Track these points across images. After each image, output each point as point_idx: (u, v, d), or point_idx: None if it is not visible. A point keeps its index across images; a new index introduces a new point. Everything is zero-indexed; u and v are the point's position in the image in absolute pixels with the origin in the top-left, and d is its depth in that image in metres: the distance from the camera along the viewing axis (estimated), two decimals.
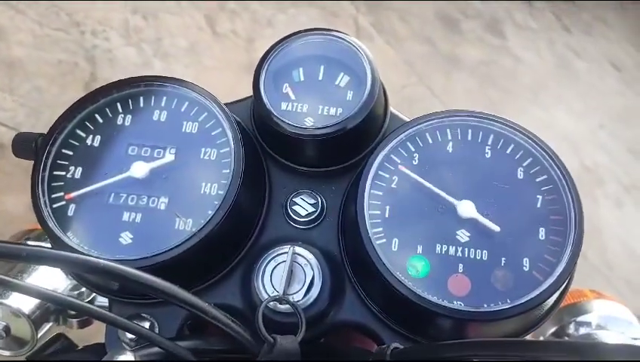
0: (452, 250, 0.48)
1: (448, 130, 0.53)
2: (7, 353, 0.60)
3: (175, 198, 0.50)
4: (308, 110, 0.54)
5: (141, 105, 0.55)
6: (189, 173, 0.51)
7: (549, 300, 0.47)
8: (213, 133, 0.53)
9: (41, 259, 0.37)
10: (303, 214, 0.54)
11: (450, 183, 0.50)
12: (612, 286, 2.06)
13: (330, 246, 0.53)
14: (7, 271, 0.61)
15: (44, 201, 0.50)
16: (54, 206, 0.50)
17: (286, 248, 0.50)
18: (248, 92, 0.57)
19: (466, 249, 0.48)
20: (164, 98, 0.55)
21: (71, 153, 0.53)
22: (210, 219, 0.48)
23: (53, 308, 0.61)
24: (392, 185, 0.51)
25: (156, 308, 0.50)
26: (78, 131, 0.54)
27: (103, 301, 0.60)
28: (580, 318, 0.68)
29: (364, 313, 0.51)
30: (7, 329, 0.58)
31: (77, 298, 0.63)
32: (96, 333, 0.56)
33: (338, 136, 0.52)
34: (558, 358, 0.32)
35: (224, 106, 0.53)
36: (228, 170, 0.50)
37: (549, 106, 2.54)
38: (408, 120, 0.55)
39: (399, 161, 0.52)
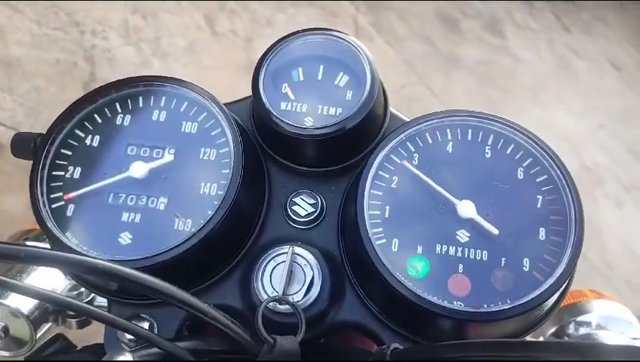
0: (452, 250, 0.48)
1: (448, 130, 0.53)
2: (6, 353, 0.60)
3: (174, 198, 0.50)
4: (307, 110, 0.54)
5: (140, 105, 0.54)
6: (188, 173, 0.51)
7: (549, 300, 0.47)
8: (212, 133, 0.53)
9: (39, 259, 0.37)
10: (303, 214, 0.54)
11: (450, 183, 0.50)
12: (612, 286, 2.06)
13: (330, 247, 0.53)
14: (6, 271, 0.61)
15: (43, 201, 0.50)
16: (53, 206, 0.50)
17: (285, 248, 0.50)
18: (247, 92, 0.56)
19: (466, 249, 0.48)
20: (164, 98, 0.55)
21: (70, 153, 0.53)
22: (209, 220, 0.48)
23: (52, 308, 0.61)
24: (392, 185, 0.51)
25: (155, 309, 0.50)
26: (77, 131, 0.53)
27: (102, 301, 0.60)
28: (580, 318, 0.68)
29: (364, 313, 0.51)
30: (6, 329, 0.58)
31: (76, 298, 0.63)
32: (95, 333, 0.56)
33: (337, 135, 0.51)
34: (558, 359, 0.32)
35: (223, 106, 0.53)
36: (227, 170, 0.50)
37: (549, 106, 2.54)
38: (408, 120, 0.55)
39: (405, 155, 0.51)
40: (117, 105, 0.55)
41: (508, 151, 0.52)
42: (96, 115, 0.54)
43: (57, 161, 0.52)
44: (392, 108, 0.58)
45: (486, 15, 2.83)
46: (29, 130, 0.58)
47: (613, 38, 2.94)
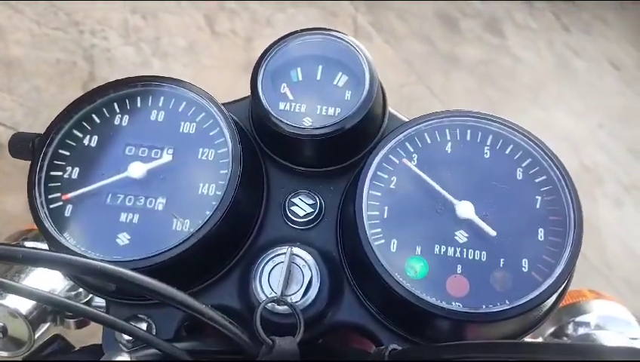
0: (451, 251, 0.48)
1: (447, 131, 0.53)
2: (4, 354, 0.59)
3: (172, 199, 0.50)
4: (306, 110, 0.53)
5: (138, 105, 0.54)
6: (186, 174, 0.51)
7: (547, 301, 0.47)
8: (210, 134, 0.52)
9: (37, 260, 0.37)
10: (302, 215, 0.54)
11: (449, 183, 0.50)
12: (611, 285, 2.06)
13: (329, 247, 0.53)
14: (4, 272, 0.61)
15: (41, 202, 0.50)
16: (51, 206, 0.50)
17: (284, 249, 0.50)
18: (247, 91, 0.56)
19: (465, 250, 0.48)
20: (162, 98, 0.54)
21: (68, 153, 0.53)
22: (207, 220, 0.48)
23: (50, 308, 0.61)
24: (391, 186, 0.51)
25: (153, 309, 0.50)
26: (75, 131, 0.53)
27: (100, 302, 0.60)
28: (579, 318, 0.68)
29: (363, 314, 0.50)
30: (4, 329, 0.58)
31: (74, 299, 0.63)
32: (94, 334, 0.56)
33: (336, 136, 0.51)
34: (557, 360, 0.32)
35: (222, 106, 0.53)
36: (226, 171, 0.50)
37: (549, 106, 2.54)
38: (407, 120, 0.55)
39: (404, 155, 0.51)
40: (115, 105, 0.54)
41: (507, 152, 0.52)
42: (94, 115, 0.54)
43: (55, 162, 0.52)
44: (390, 109, 0.58)
45: (486, 15, 2.82)
46: (29, 130, 0.58)
47: (613, 37, 2.94)
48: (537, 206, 0.49)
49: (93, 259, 0.38)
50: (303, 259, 0.50)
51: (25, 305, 0.58)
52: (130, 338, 0.47)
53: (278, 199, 0.55)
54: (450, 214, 0.49)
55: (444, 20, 2.72)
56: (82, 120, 0.54)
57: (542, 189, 0.50)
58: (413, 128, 0.52)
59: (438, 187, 0.50)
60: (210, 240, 0.47)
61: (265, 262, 0.50)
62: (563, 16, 2.95)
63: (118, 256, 0.47)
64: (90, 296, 0.64)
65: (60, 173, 0.52)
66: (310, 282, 0.49)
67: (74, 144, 0.53)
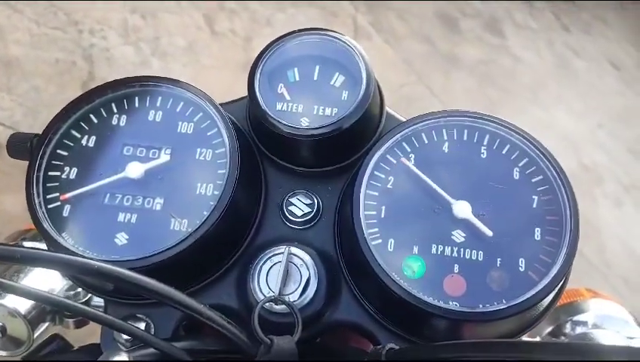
0: (448, 251, 0.48)
1: (444, 131, 0.53)
2: (3, 353, 0.60)
3: (170, 199, 0.50)
4: (303, 110, 0.54)
5: (136, 105, 0.55)
6: (184, 174, 0.51)
7: (544, 300, 0.47)
8: (208, 134, 0.53)
9: (35, 260, 0.37)
10: (299, 214, 0.54)
11: (446, 183, 0.50)
12: (610, 284, 2.06)
13: (326, 247, 0.53)
14: (3, 271, 0.61)
15: (39, 202, 0.50)
16: (49, 206, 0.50)
17: (282, 248, 0.50)
18: (246, 91, 0.56)
19: (462, 249, 0.48)
20: (160, 98, 0.55)
21: (66, 153, 0.53)
22: (205, 220, 0.48)
23: (49, 308, 0.61)
24: (388, 186, 0.51)
25: (152, 309, 0.50)
26: (73, 132, 0.53)
27: (98, 301, 0.60)
28: (577, 317, 0.68)
29: (360, 313, 0.51)
30: (3, 329, 0.58)
31: (73, 298, 0.63)
32: (93, 333, 0.56)
33: (333, 136, 0.51)
34: (554, 359, 0.32)
35: (219, 106, 0.53)
36: (223, 171, 0.50)
37: (549, 106, 2.54)
38: (404, 120, 0.55)
39: (401, 155, 0.51)
40: (113, 105, 0.55)
41: (504, 152, 0.52)
42: (92, 116, 0.54)
43: (53, 162, 0.52)
44: (388, 108, 0.58)
45: (486, 15, 2.82)
46: (28, 130, 0.58)
47: (613, 37, 2.94)
48: (534, 205, 0.50)
49: (91, 259, 0.38)
50: (301, 259, 0.50)
51: (24, 305, 0.58)
52: (129, 337, 0.47)
53: (275, 199, 0.55)
54: (448, 214, 0.49)
55: (444, 20, 2.72)
56: (80, 120, 0.54)
57: (538, 189, 0.50)
58: (411, 128, 0.53)
59: (435, 186, 0.50)
60: (208, 240, 0.48)
61: (263, 261, 0.50)
62: (563, 16, 2.95)
63: (116, 255, 0.47)
64: (89, 295, 0.64)
65: (58, 173, 0.52)
66: (308, 281, 0.49)
67: (72, 144, 0.53)
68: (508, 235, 0.48)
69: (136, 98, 0.55)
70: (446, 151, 0.52)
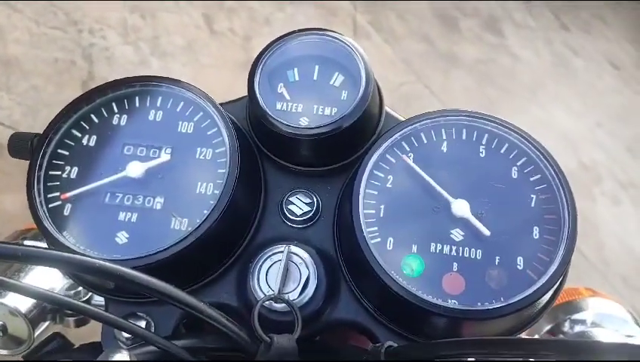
0: (446, 249, 0.48)
1: (443, 130, 0.53)
2: (4, 352, 0.60)
3: (171, 198, 0.51)
4: (303, 110, 0.54)
5: (137, 105, 0.55)
6: (184, 173, 0.51)
7: (542, 298, 0.47)
8: (208, 133, 0.53)
9: (36, 259, 0.38)
10: (299, 213, 0.54)
11: (445, 182, 0.51)
12: (609, 283, 2.07)
13: (326, 246, 0.53)
14: (4, 270, 0.61)
15: (40, 201, 0.50)
16: (50, 206, 0.50)
17: (281, 247, 0.50)
18: (245, 91, 0.57)
19: (461, 248, 0.48)
20: (160, 98, 0.55)
21: (67, 153, 0.53)
22: (205, 219, 0.48)
23: (50, 307, 0.61)
24: (388, 185, 0.51)
25: (152, 307, 0.50)
26: (74, 131, 0.54)
27: (99, 300, 0.60)
28: (575, 316, 0.68)
29: (360, 311, 0.51)
30: (4, 328, 0.59)
31: (73, 297, 0.63)
32: (93, 332, 0.56)
33: (333, 135, 0.52)
34: (552, 357, 0.33)
35: (219, 106, 0.53)
36: (223, 170, 0.50)
37: (548, 105, 2.55)
38: (403, 119, 0.56)
39: (400, 154, 0.52)
40: (113, 105, 0.55)
41: (502, 151, 0.52)
42: (92, 115, 0.54)
43: (54, 161, 0.52)
44: (387, 108, 0.58)
45: (485, 14, 2.83)
46: (28, 130, 0.58)
47: (612, 37, 2.95)
48: (532, 204, 0.50)
49: (92, 257, 0.38)
50: (301, 258, 0.50)
51: (25, 304, 0.58)
52: (129, 335, 0.47)
53: (275, 198, 0.55)
54: (446, 213, 0.50)
55: (443, 20, 2.73)
56: (81, 120, 0.54)
57: (537, 188, 0.51)
58: (410, 127, 0.53)
59: (434, 185, 0.50)
60: (208, 239, 0.48)
61: (262, 260, 0.50)
62: (562, 16, 2.95)
63: (117, 254, 0.47)
64: (90, 294, 0.65)
65: (58, 173, 0.52)
66: (307, 280, 0.49)
67: (73, 144, 0.53)
68: (506, 234, 0.49)
69: (137, 98, 0.55)
70: (445, 150, 0.52)
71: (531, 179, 0.51)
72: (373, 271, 0.47)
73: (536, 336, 0.70)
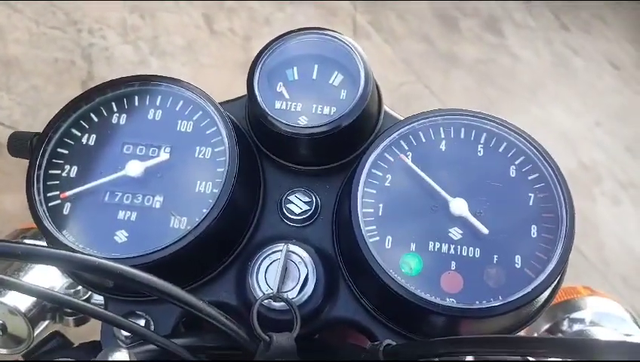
0: (445, 248, 0.49)
1: (441, 129, 0.53)
2: (3, 351, 0.60)
3: (170, 197, 0.51)
4: (302, 109, 0.54)
5: (136, 104, 0.55)
6: (183, 172, 0.52)
7: (540, 297, 0.48)
8: (207, 132, 0.53)
9: (36, 257, 0.38)
10: (298, 212, 0.54)
11: (443, 181, 0.51)
12: (609, 283, 2.07)
13: (324, 244, 0.53)
14: (4, 269, 0.62)
15: (40, 200, 0.50)
16: (50, 204, 0.50)
17: (280, 246, 0.51)
18: (245, 90, 0.57)
19: (459, 246, 0.49)
20: (159, 97, 0.55)
21: (66, 152, 0.53)
22: (204, 217, 0.48)
23: (49, 306, 0.61)
24: (386, 184, 0.51)
25: (151, 306, 0.50)
26: (74, 130, 0.54)
27: (99, 299, 0.60)
28: (574, 315, 0.68)
29: (358, 310, 0.51)
30: (3, 327, 0.59)
31: (73, 296, 0.63)
32: (93, 331, 0.56)
33: (332, 134, 0.52)
34: (551, 355, 0.33)
35: (218, 105, 0.54)
36: (222, 169, 0.51)
37: (547, 104, 2.55)
38: (402, 118, 0.56)
39: (399, 153, 0.52)
40: (113, 104, 0.55)
41: (500, 150, 0.53)
42: (92, 114, 0.54)
43: (54, 160, 0.52)
44: (386, 107, 0.59)
45: (485, 14, 2.83)
46: (27, 129, 0.58)
47: (612, 36, 2.95)
48: (530, 203, 0.50)
49: (92, 256, 0.39)
50: (299, 256, 0.51)
51: (24, 303, 0.59)
52: (129, 334, 0.47)
53: (274, 197, 0.56)
54: (445, 211, 0.50)
55: (443, 19, 2.73)
56: (80, 119, 0.54)
57: (535, 186, 0.51)
58: (408, 126, 0.53)
59: (433, 184, 0.50)
60: (208, 238, 0.48)
61: (261, 259, 0.50)
62: (562, 15, 2.95)
63: (116, 253, 0.48)
64: (89, 293, 0.65)
65: (58, 172, 0.52)
66: (306, 279, 0.50)
67: (72, 143, 0.53)
68: (504, 232, 0.49)
69: (136, 97, 0.55)
70: (443, 149, 0.53)
71: (529, 177, 0.51)
72: (371, 269, 0.47)
73: (535, 335, 0.70)
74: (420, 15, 2.69)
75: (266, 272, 0.50)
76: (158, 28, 2.27)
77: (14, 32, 2.08)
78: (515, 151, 0.52)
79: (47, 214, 0.50)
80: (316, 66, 0.56)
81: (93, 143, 0.53)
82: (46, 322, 0.62)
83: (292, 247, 0.51)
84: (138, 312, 0.50)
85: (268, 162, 0.57)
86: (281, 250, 0.50)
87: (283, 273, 0.49)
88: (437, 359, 0.42)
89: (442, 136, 0.53)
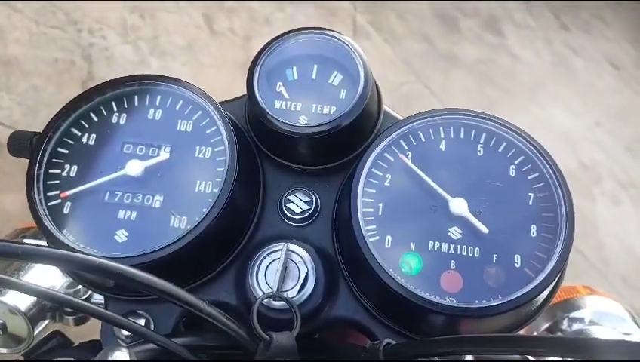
0: (444, 247, 0.49)
1: (441, 129, 0.53)
2: (3, 350, 0.60)
3: (170, 196, 0.51)
4: (302, 109, 0.54)
5: (136, 103, 0.55)
6: (183, 171, 0.52)
7: (540, 296, 0.48)
8: (207, 132, 0.53)
9: (37, 257, 0.38)
10: (298, 212, 0.54)
11: (443, 181, 0.51)
12: (609, 283, 2.07)
13: (324, 244, 0.53)
14: (4, 268, 0.62)
15: (40, 199, 0.50)
16: (50, 204, 0.50)
17: (280, 245, 0.51)
18: (245, 90, 0.57)
19: (458, 246, 0.49)
20: (159, 97, 0.55)
21: (66, 151, 0.53)
22: (204, 217, 0.48)
23: (49, 305, 0.62)
24: (386, 183, 0.51)
25: (151, 305, 0.50)
26: (74, 130, 0.54)
27: (99, 298, 0.60)
28: (573, 314, 0.68)
29: (358, 309, 0.51)
30: (3, 326, 0.59)
31: (73, 295, 0.64)
32: (93, 330, 0.57)
33: (331, 134, 0.52)
34: (550, 354, 0.33)
35: (218, 105, 0.54)
36: (222, 168, 0.51)
37: (547, 104, 2.55)
38: (402, 118, 0.56)
39: (399, 153, 0.52)
40: (113, 103, 0.55)
41: (500, 150, 0.53)
42: (92, 114, 0.55)
43: (54, 160, 0.52)
44: (386, 107, 0.59)
45: (485, 14, 2.83)
46: (27, 129, 0.58)
47: (612, 36, 2.95)
48: (530, 202, 0.50)
49: (92, 255, 0.39)
50: (299, 256, 0.51)
51: (24, 302, 0.59)
52: (129, 333, 0.47)
53: (274, 196, 0.56)
54: (444, 211, 0.50)
55: (443, 20, 2.73)
56: (80, 118, 0.54)
57: (534, 186, 0.51)
58: (408, 126, 0.53)
59: (432, 184, 0.50)
60: (207, 237, 0.48)
61: (261, 258, 0.50)
62: (562, 15, 2.95)
63: (116, 252, 0.48)
64: (89, 292, 0.65)
65: (58, 171, 0.52)
66: (306, 278, 0.50)
67: (72, 142, 0.53)
68: (504, 232, 0.49)
69: (136, 97, 0.55)
70: (443, 149, 0.53)
71: (529, 177, 0.51)
72: (371, 269, 0.47)
73: (535, 334, 0.70)
74: (419, 15, 2.69)
75: (265, 272, 0.50)
76: (158, 28, 2.27)
77: (14, 31, 2.08)
78: (514, 150, 0.52)
79: (48, 213, 0.50)
80: (316, 66, 0.56)
81: (93, 143, 0.53)
82: (46, 321, 0.62)
83: (292, 247, 0.51)
84: (138, 311, 0.50)
85: (268, 162, 0.57)
86: (281, 250, 0.50)
87: (283, 272, 0.49)
88: (437, 358, 0.42)
89: (442, 135, 0.53)
